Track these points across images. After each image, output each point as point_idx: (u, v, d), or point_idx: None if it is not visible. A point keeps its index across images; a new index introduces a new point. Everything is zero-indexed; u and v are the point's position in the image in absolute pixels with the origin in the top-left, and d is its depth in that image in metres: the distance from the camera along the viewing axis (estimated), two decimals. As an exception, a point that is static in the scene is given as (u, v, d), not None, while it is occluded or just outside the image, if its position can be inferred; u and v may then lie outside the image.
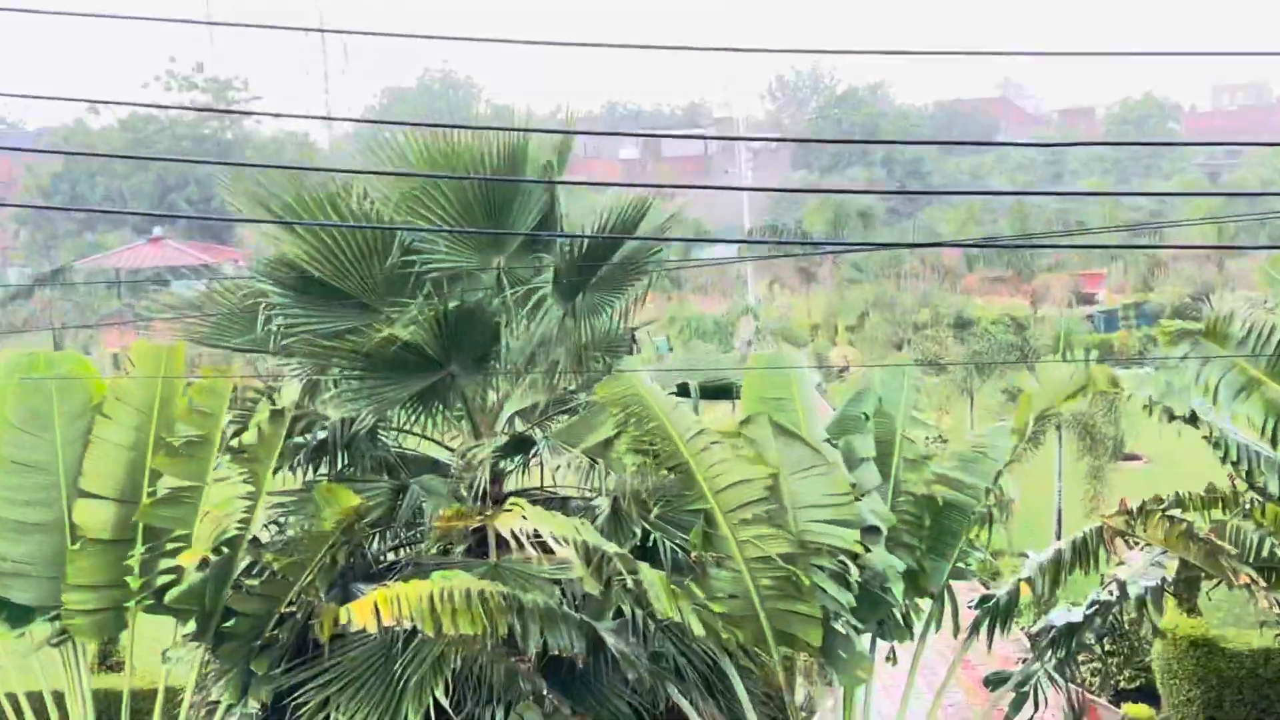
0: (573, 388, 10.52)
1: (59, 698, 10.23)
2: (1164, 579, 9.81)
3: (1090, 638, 10.72)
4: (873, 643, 10.00)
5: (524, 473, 10.42)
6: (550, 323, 9.89)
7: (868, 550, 9.46)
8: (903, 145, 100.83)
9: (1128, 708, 14.48)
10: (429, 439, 10.48)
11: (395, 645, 8.77)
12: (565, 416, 10.57)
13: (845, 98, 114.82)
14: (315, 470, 10.06)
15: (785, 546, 8.95)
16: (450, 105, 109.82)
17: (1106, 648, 15.27)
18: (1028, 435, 10.92)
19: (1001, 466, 10.34)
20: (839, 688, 10.03)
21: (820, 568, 9.08)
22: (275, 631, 9.13)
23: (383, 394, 9.43)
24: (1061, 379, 10.69)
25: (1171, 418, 10.55)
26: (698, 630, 8.48)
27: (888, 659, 10.32)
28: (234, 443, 9.52)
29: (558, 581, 9.10)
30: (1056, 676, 10.22)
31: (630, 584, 8.24)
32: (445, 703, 8.49)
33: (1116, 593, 9.82)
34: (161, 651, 9.64)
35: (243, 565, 9.34)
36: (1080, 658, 12.99)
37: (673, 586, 8.36)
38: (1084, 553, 9.99)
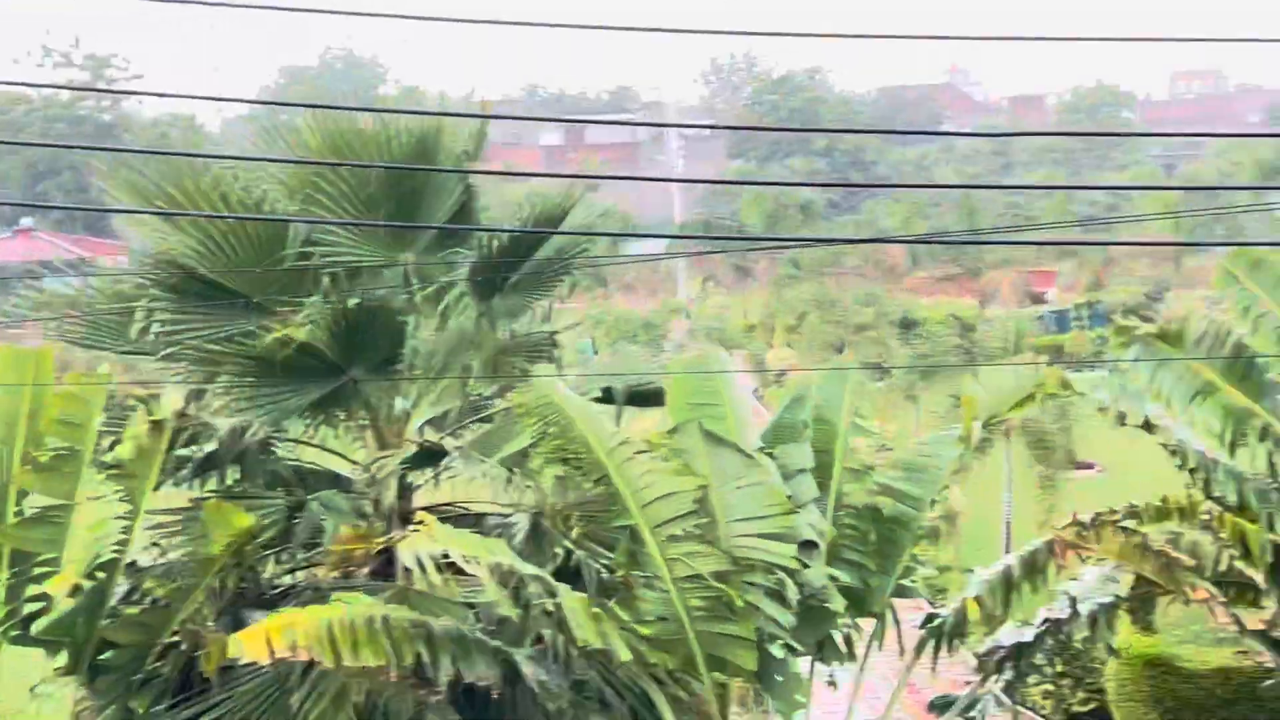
0: (489, 393, 10.45)
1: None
2: (1118, 595, 10.01)
3: (1041, 658, 10.91)
4: (811, 666, 10.07)
5: (435, 486, 10.33)
6: (464, 324, 9.82)
7: (805, 566, 9.53)
8: (844, 134, 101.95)
9: (1081, 732, 14.77)
10: (330, 451, 10.35)
11: (291, 678, 8.63)
12: (481, 425, 10.51)
13: (782, 82, 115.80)
14: (202, 486, 9.88)
15: (717, 564, 8.97)
16: (356, 87, 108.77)
17: (1058, 668, 15.53)
18: (975, 443, 11.07)
19: (947, 477, 10.48)
20: (775, 715, 10.09)
21: (755, 585, 9.12)
22: (157, 664, 8.91)
23: (277, 401, 9.30)
24: (1010, 384, 10.86)
25: (1126, 424, 10.77)
26: (624, 655, 8.46)
27: (828, 683, 10.40)
28: (108, 457, 9.31)
29: (472, 605, 9.03)
30: (1005, 699, 10.38)
31: (550, 607, 8.20)
32: (347, 740, 8.38)
33: (1068, 610, 10.01)
34: (30, 688, 9.40)
35: (120, 592, 9.13)
36: (1030, 679, 13.22)
37: (596, 610, 8.33)
38: (1034, 568, 10.16)
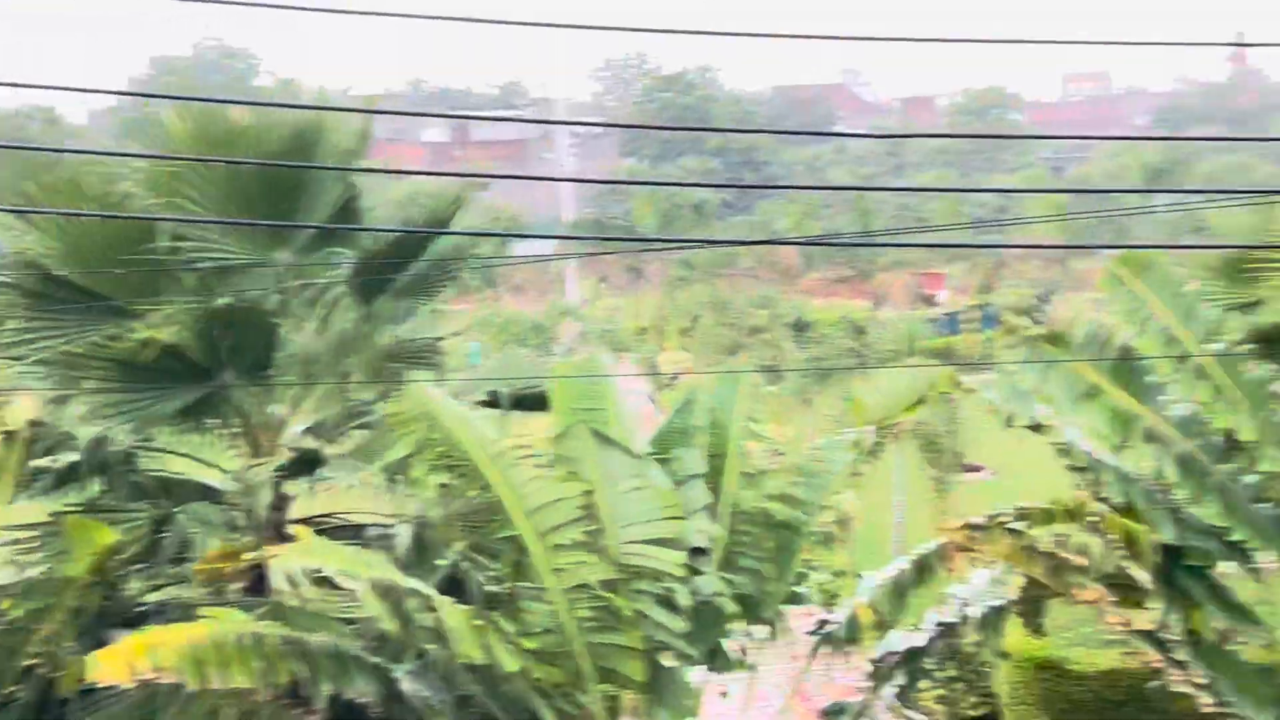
0: (371, 398, 10.31)
1: None
2: (1007, 598, 10.23)
3: (932, 663, 11.09)
4: (704, 675, 10.09)
5: (313, 496, 10.15)
6: (345, 327, 9.67)
7: (696, 573, 9.55)
8: (738, 133, 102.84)
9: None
10: (200, 460, 10.10)
11: (158, 699, 8.41)
12: (362, 431, 10.35)
13: (673, 80, 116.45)
14: (62, 499, 9.58)
15: (605, 572, 8.94)
16: (230, 79, 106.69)
17: (950, 672, 15.80)
18: (867, 447, 11.22)
19: (841, 481, 10.59)
20: (666, 726, 10.09)
21: (644, 593, 9.11)
22: (15, 688, 8.65)
23: (142, 408, 9.05)
24: (902, 386, 11.03)
25: (1015, 425, 10.99)
26: (509, 667, 8.39)
27: (721, 693, 10.45)
28: (-44, 470, 8.99)
29: (351, 621, 8.89)
30: (897, 705, 10.54)
31: (431, 622, 8.10)
32: (218, 763, 8.19)
33: (959, 613, 10.20)
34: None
35: (-27, 613, 8.81)
36: (923, 684, 13.43)
37: (480, 623, 8.25)
38: (925, 571, 10.34)
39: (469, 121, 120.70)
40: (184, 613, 8.75)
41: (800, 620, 11.01)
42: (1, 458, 8.87)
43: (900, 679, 10.46)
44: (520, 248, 58.93)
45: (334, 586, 8.34)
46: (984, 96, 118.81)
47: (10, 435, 8.94)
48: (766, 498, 10.40)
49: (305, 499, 10.06)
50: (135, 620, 9.10)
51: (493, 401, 10.63)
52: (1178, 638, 9.93)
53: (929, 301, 57.93)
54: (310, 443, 9.75)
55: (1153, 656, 10.10)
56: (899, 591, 10.38)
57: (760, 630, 10.43)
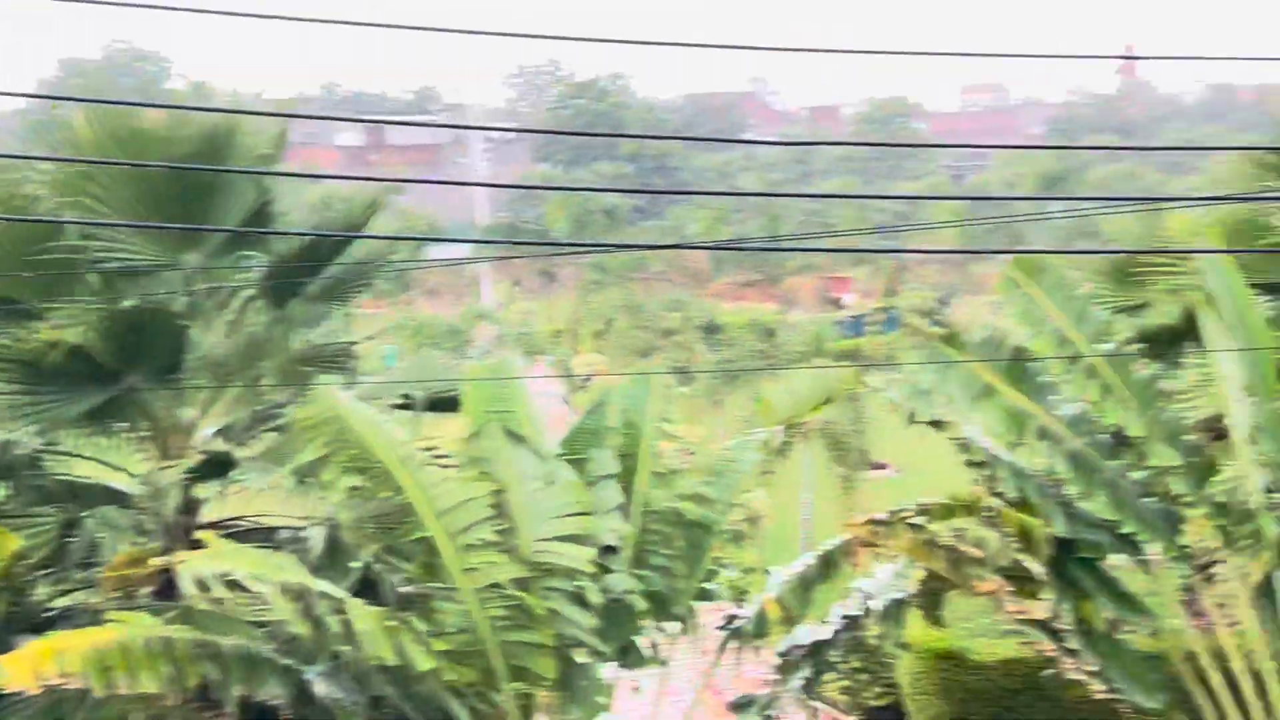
0: (282, 400, 10.16)
1: None
2: (908, 591, 10.36)
3: (837, 655, 11.20)
4: (616, 672, 10.09)
5: (224, 499, 9.97)
6: (256, 330, 9.52)
7: (608, 571, 9.55)
8: (650, 139, 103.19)
9: (876, 726, 15.24)
10: (107, 464, 9.87)
11: (65, 705, 8.20)
12: (273, 434, 10.19)
13: (586, 87, 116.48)
14: (-35, 504, 9.31)
15: (516, 571, 8.91)
16: (140, 81, 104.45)
17: (854, 664, 15.99)
18: (776, 446, 11.30)
19: (750, 480, 10.66)
20: (579, 722, 10.07)
21: (555, 591, 9.08)
22: (-84, 696, 8.37)
23: (47, 410, 8.83)
24: (809, 387, 11.13)
25: (916, 421, 11.14)
26: (422, 668, 8.32)
27: (633, 689, 10.45)
28: None
29: (263, 624, 8.75)
30: (804, 696, 10.62)
31: (339, 625, 8.00)
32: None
33: (863, 606, 10.31)
34: None
35: None
36: (828, 676, 13.56)
37: (392, 624, 8.16)
38: (831, 566, 10.44)
39: (383, 126, 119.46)
40: (92, 618, 8.55)
41: (711, 616, 11.05)
42: (-100, 463, 8.59)
43: (806, 671, 10.54)
44: (435, 252, 58.41)
45: (245, 590, 8.21)
46: (887, 106, 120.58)
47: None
48: (678, 497, 10.43)
49: (216, 502, 9.89)
50: (42, 626, 8.87)
51: (408, 404, 10.53)
52: (1070, 627, 10.12)
53: (836, 304, 58.60)
54: (221, 446, 9.58)
55: (1047, 646, 10.29)
56: (805, 586, 10.47)
57: (672, 626, 10.46)
